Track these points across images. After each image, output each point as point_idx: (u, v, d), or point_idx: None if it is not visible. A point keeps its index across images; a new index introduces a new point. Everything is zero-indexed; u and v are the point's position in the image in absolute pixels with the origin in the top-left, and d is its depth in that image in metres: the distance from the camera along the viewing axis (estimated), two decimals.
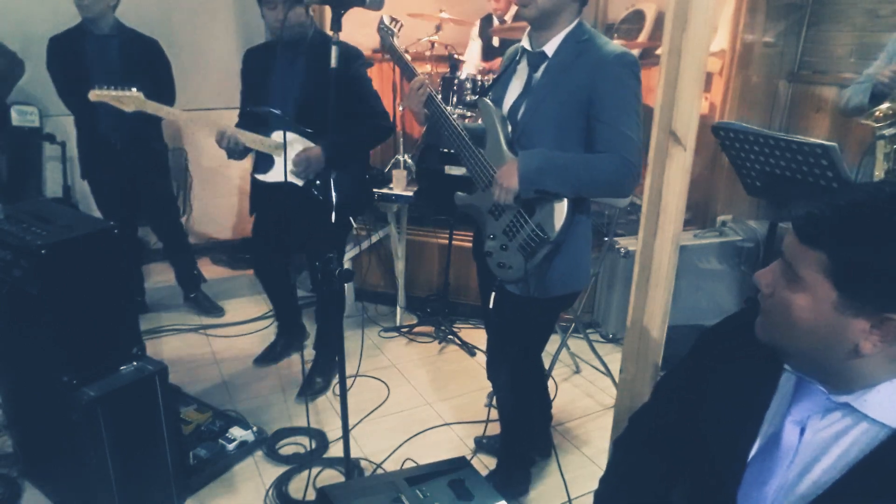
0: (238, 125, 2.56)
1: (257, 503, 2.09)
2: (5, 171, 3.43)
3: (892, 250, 0.78)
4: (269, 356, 2.95)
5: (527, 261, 1.70)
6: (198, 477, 2.12)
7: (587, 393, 2.81)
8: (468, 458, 1.91)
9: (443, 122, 1.82)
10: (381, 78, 4.23)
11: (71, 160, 3.48)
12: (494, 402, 2.42)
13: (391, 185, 3.18)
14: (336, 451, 2.30)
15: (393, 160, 3.82)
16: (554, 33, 1.67)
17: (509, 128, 1.76)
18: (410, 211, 3.41)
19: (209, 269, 3.94)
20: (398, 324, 3.40)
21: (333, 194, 2.44)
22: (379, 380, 2.85)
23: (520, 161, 1.65)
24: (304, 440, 2.37)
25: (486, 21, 4.33)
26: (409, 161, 3.72)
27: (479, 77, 3.48)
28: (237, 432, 2.31)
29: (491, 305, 1.85)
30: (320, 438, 2.38)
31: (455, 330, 3.29)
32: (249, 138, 2.44)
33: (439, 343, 3.23)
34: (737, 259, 3.17)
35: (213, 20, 3.92)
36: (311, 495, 2.08)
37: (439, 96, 1.84)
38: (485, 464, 2.28)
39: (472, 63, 4.34)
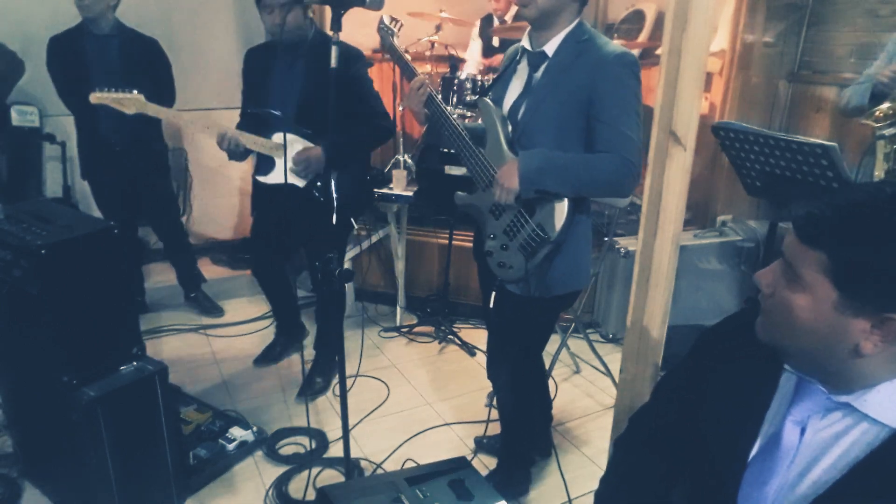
0: (239, 126, 2.56)
1: (257, 503, 2.09)
2: (5, 171, 3.43)
3: (892, 250, 0.78)
4: (269, 356, 2.95)
5: (527, 260, 1.70)
6: (198, 477, 2.12)
7: (587, 393, 2.81)
8: (468, 458, 1.91)
9: (443, 121, 1.82)
10: (381, 78, 4.23)
11: (71, 160, 3.48)
12: (494, 402, 2.42)
13: (391, 185, 3.18)
14: (336, 451, 2.30)
15: (393, 160, 3.82)
16: (554, 33, 1.68)
17: (509, 128, 1.76)
18: (410, 211, 3.41)
19: (209, 269, 3.93)
20: (398, 324, 3.40)
21: (334, 195, 2.44)
22: (379, 380, 2.85)
23: (520, 161, 1.65)
24: (304, 440, 2.37)
25: (487, 21, 4.34)
26: (409, 161, 3.72)
27: (479, 77, 3.48)
28: (237, 432, 2.31)
29: (491, 305, 1.85)
30: (320, 438, 2.38)
31: (455, 330, 3.29)
32: (250, 140, 2.44)
33: (439, 343, 3.23)
34: (737, 259, 3.17)
35: (213, 20, 3.92)
36: (311, 495, 2.08)
37: (439, 96, 1.84)
38: (485, 464, 2.28)
39: (472, 62, 4.34)
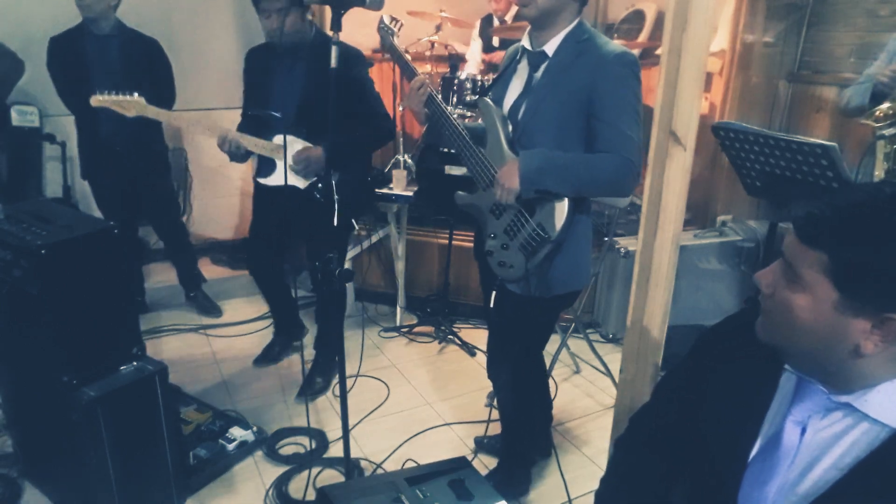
0: (240, 127, 2.56)
1: (257, 503, 2.09)
2: (5, 171, 3.43)
3: (892, 250, 0.78)
4: (268, 356, 2.95)
5: (528, 260, 1.70)
6: (198, 477, 2.12)
7: (587, 393, 2.81)
8: (468, 458, 1.91)
9: (443, 121, 1.82)
10: (381, 78, 4.23)
11: (71, 160, 3.48)
12: (495, 401, 2.42)
13: (391, 185, 3.18)
14: (336, 451, 2.30)
15: (393, 160, 3.82)
16: (554, 33, 1.68)
17: (510, 127, 1.76)
18: (410, 211, 3.41)
19: (209, 269, 3.94)
20: (398, 324, 3.40)
21: (336, 196, 2.44)
22: (379, 380, 2.85)
23: (520, 161, 1.65)
24: (304, 440, 2.37)
25: (487, 21, 4.34)
26: (409, 161, 3.72)
27: (479, 77, 3.48)
28: (237, 432, 2.31)
29: (492, 304, 1.85)
30: (320, 438, 2.38)
31: (455, 330, 3.29)
32: (251, 142, 2.45)
33: (439, 343, 3.23)
34: (737, 259, 3.17)
35: (213, 20, 3.92)
36: (311, 495, 2.08)
37: (439, 96, 1.84)
38: (485, 464, 2.28)
39: (473, 62, 4.34)
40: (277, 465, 2.24)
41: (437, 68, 4.13)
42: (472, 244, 2.06)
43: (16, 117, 3.37)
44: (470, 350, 3.14)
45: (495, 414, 2.19)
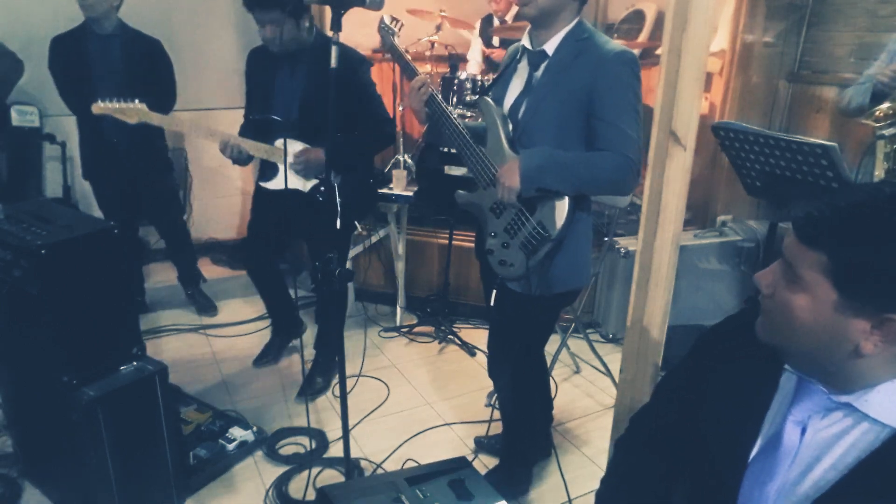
0: (242, 130, 2.56)
1: (257, 503, 2.09)
2: (5, 171, 3.43)
3: (891, 250, 0.78)
4: (268, 356, 2.95)
5: (528, 258, 1.70)
6: (198, 477, 2.12)
7: (587, 393, 2.81)
8: (468, 458, 1.91)
9: (444, 120, 1.82)
10: (381, 78, 4.23)
11: (71, 160, 3.48)
12: (495, 401, 2.42)
13: (391, 185, 3.18)
14: (336, 451, 2.30)
15: (393, 160, 3.82)
16: (554, 32, 1.68)
17: (510, 126, 1.76)
18: (410, 211, 3.41)
19: (209, 269, 3.94)
20: (398, 324, 3.40)
21: (338, 199, 2.44)
22: (379, 380, 2.85)
23: (521, 159, 1.66)
24: (304, 440, 2.37)
25: (487, 21, 4.34)
26: (409, 161, 3.72)
27: (479, 77, 3.49)
28: (237, 432, 2.31)
29: (492, 303, 1.85)
30: (320, 438, 2.38)
31: (455, 330, 3.29)
32: (252, 146, 2.45)
33: (439, 343, 3.23)
34: (737, 259, 3.17)
35: (213, 20, 3.92)
36: (311, 495, 2.08)
37: (439, 96, 1.84)
38: (485, 464, 2.28)
39: (474, 62, 4.35)
40: (277, 465, 2.24)
41: (437, 68, 4.13)
42: (472, 244, 2.06)
43: (16, 117, 3.37)
44: (470, 350, 3.14)
45: (496, 414, 2.19)
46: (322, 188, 2.49)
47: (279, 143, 2.44)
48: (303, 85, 2.46)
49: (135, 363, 1.86)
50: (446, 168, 3.10)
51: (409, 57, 1.93)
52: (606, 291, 3.22)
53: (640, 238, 1.56)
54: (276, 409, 2.59)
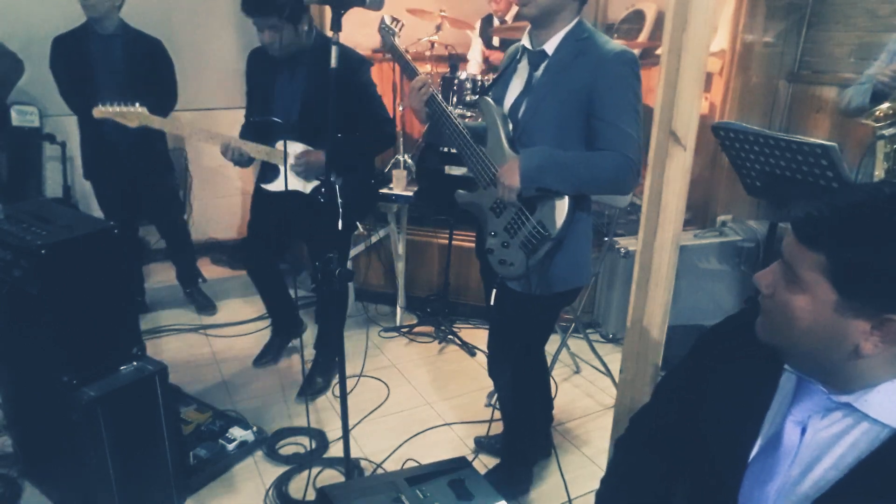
0: (243, 132, 2.56)
1: (257, 503, 2.09)
2: (5, 171, 3.43)
3: (891, 251, 0.78)
4: (268, 355, 2.95)
5: (528, 258, 1.70)
6: (198, 477, 2.12)
7: (587, 393, 2.81)
8: (468, 458, 1.91)
9: (444, 120, 1.82)
10: (381, 78, 4.23)
11: (71, 160, 3.48)
12: (495, 401, 2.42)
13: (391, 185, 3.18)
14: (336, 451, 2.30)
15: (393, 160, 3.82)
16: (554, 32, 1.68)
17: (510, 126, 1.76)
18: (410, 211, 3.41)
19: (209, 269, 3.94)
20: (398, 324, 3.40)
21: (339, 200, 2.44)
22: (379, 380, 2.85)
23: (521, 159, 1.66)
24: (304, 440, 2.37)
25: (487, 21, 4.34)
26: (409, 161, 3.72)
27: (479, 77, 3.49)
28: (237, 432, 2.31)
29: (492, 302, 1.85)
30: (320, 438, 2.38)
31: (455, 330, 3.29)
32: (253, 149, 2.45)
33: (439, 343, 3.23)
34: (737, 259, 3.17)
35: (213, 20, 3.92)
36: (311, 495, 2.08)
37: (440, 95, 1.84)
38: (485, 464, 2.28)
39: (475, 62, 4.35)
40: (277, 465, 2.24)
41: (437, 68, 4.13)
42: (472, 244, 2.06)
43: (16, 117, 3.37)
44: (470, 350, 3.14)
45: (496, 414, 2.19)
46: (323, 189, 2.49)
47: (279, 145, 2.45)
48: (303, 87, 2.46)
49: (135, 363, 1.86)
50: (446, 168, 3.10)
51: (409, 57, 1.93)
52: (606, 291, 3.22)
53: (640, 238, 1.56)
54: (276, 409, 2.59)
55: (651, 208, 1.52)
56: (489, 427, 2.28)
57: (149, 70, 2.95)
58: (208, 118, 3.82)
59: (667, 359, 1.62)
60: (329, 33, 1.66)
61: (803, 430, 0.92)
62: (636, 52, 3.84)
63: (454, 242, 3.30)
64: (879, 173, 2.15)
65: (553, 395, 2.29)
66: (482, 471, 2.12)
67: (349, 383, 2.74)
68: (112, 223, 1.79)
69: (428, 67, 4.11)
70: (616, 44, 1.65)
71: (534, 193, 1.67)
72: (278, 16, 2.26)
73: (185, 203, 3.99)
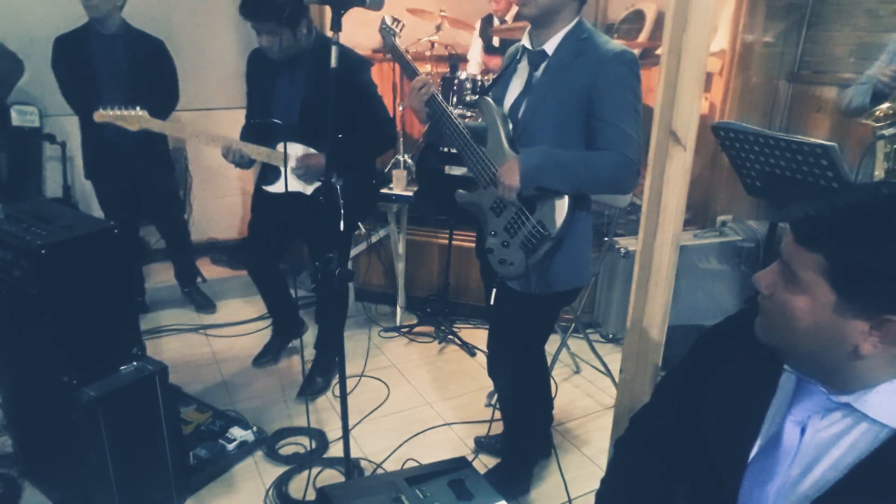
0: (243, 134, 2.56)
1: (257, 503, 2.09)
2: (5, 171, 3.43)
3: (890, 251, 0.78)
4: (268, 355, 2.95)
5: (528, 257, 1.70)
6: (198, 477, 2.12)
7: (587, 393, 2.81)
8: (468, 458, 1.91)
9: (444, 120, 1.82)
10: (381, 78, 4.23)
11: (71, 160, 3.48)
12: (495, 401, 2.41)
13: (391, 185, 3.18)
14: (336, 451, 2.30)
15: (393, 160, 3.82)
16: (554, 32, 1.68)
17: (510, 126, 1.76)
18: (410, 211, 3.41)
19: (209, 269, 3.94)
20: (398, 324, 3.40)
21: (340, 201, 2.44)
22: (379, 380, 2.85)
23: (521, 159, 1.66)
24: (304, 440, 2.37)
25: (487, 21, 4.34)
26: (409, 161, 3.72)
27: (479, 77, 3.49)
28: (237, 432, 2.31)
29: (492, 302, 1.85)
30: (320, 438, 2.38)
31: (455, 330, 3.29)
32: (254, 151, 2.45)
33: (439, 343, 3.23)
34: (737, 259, 3.17)
35: (213, 20, 3.92)
36: (311, 495, 2.08)
37: (440, 95, 1.84)
38: (485, 464, 2.28)
39: (475, 62, 4.35)
40: (277, 465, 2.24)
41: (438, 68, 4.13)
42: (472, 244, 2.06)
43: (16, 117, 3.37)
44: (470, 350, 3.14)
45: (496, 414, 2.19)
46: (324, 190, 2.48)
47: (280, 147, 2.44)
48: (303, 88, 2.45)
49: (135, 363, 1.86)
50: (446, 168, 3.10)
51: (409, 57, 1.93)
52: (606, 291, 3.22)
53: (640, 238, 1.56)
54: (276, 409, 2.59)
55: (651, 208, 1.52)
56: (489, 427, 2.28)
57: (151, 70, 2.95)
58: (208, 118, 3.83)
59: (667, 359, 1.62)
60: (329, 33, 1.66)
61: (803, 431, 0.92)
62: (636, 52, 3.84)
63: (454, 242, 3.30)
64: (879, 173, 2.15)
65: (553, 395, 2.29)
66: (482, 471, 2.12)
67: (349, 383, 2.74)
68: (112, 223, 1.79)
69: (428, 67, 4.11)
70: (616, 44, 1.65)
71: (533, 193, 1.67)
72: (276, 21, 2.26)
73: (185, 203, 4.00)
